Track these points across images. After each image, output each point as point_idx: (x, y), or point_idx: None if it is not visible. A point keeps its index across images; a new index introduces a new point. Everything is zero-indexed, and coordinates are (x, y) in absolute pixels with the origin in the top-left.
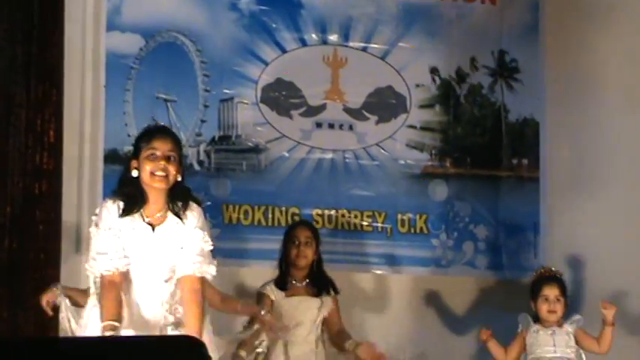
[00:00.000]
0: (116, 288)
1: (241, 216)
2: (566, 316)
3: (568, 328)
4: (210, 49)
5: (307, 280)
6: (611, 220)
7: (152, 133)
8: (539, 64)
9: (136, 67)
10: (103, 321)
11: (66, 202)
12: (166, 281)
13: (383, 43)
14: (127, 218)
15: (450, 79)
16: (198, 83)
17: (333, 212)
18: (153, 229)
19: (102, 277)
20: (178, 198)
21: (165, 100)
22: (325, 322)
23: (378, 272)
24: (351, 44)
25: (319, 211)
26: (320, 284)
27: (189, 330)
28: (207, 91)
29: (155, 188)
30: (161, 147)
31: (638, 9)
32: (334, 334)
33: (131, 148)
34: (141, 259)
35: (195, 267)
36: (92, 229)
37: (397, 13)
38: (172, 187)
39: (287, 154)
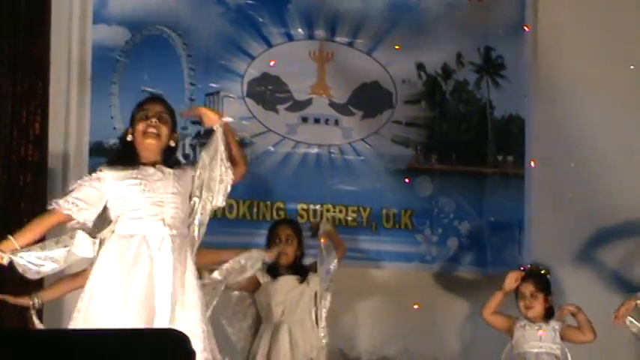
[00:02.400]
0: (46, 223)
1: (226, 210)
2: (553, 312)
3: (554, 324)
4: (197, 42)
5: (290, 272)
6: (595, 216)
7: (144, 100)
8: (525, 61)
9: (122, 60)
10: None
11: (51, 195)
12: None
13: (369, 39)
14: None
15: (435, 75)
16: (184, 77)
17: (318, 207)
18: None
19: (50, 208)
20: (171, 162)
21: (151, 94)
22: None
23: (363, 267)
24: (337, 39)
25: (304, 206)
26: (304, 274)
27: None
28: (193, 84)
29: (148, 148)
30: (152, 108)
31: (622, 8)
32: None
33: (117, 141)
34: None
35: None
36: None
37: (384, 8)
38: (166, 152)
39: (272, 149)
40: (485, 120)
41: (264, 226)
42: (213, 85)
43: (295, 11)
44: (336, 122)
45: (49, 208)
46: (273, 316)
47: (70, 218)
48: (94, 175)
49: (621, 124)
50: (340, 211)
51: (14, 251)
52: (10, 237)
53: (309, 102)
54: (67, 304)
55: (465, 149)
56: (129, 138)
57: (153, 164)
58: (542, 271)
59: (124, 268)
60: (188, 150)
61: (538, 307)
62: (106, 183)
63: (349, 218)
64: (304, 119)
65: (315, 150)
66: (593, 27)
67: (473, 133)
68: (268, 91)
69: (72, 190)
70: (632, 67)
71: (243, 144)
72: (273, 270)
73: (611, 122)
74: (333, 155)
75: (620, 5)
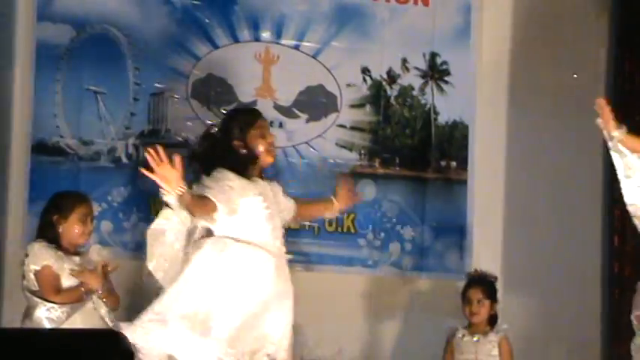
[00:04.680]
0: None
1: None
2: (496, 319)
3: (492, 337)
4: (142, 42)
5: None
6: (539, 223)
7: (257, 115)
8: (470, 67)
9: (66, 59)
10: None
11: None
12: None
13: (315, 42)
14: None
15: (381, 79)
16: (129, 76)
17: None
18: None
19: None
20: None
21: (95, 92)
22: None
23: (304, 271)
24: (283, 42)
25: None
26: None
27: None
28: (137, 84)
29: (262, 166)
30: (267, 125)
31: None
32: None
33: (59, 139)
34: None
35: None
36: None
37: (330, 12)
38: None
39: None
40: (430, 125)
41: None
42: (158, 85)
43: (242, 13)
44: (281, 125)
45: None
46: None
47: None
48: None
49: (564, 130)
50: None
51: None
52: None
53: (253, 104)
54: None
55: (408, 154)
56: (243, 151)
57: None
58: (490, 278)
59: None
60: (131, 150)
61: (483, 314)
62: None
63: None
64: None
65: None
66: (538, 34)
67: (417, 139)
68: (213, 92)
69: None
70: (575, 75)
71: (187, 144)
72: None
73: (554, 128)
74: (277, 158)
75: (564, 14)
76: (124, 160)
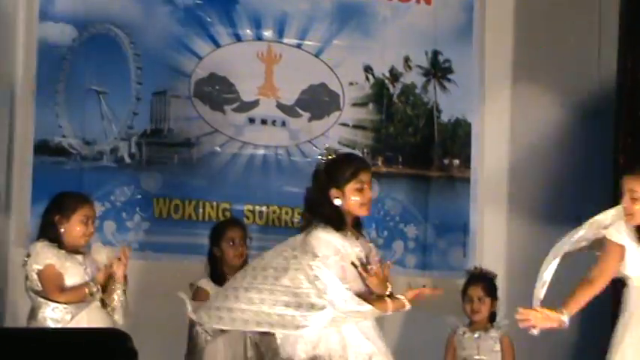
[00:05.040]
0: None
1: (172, 210)
2: (495, 317)
3: (494, 332)
4: (144, 41)
5: None
6: (542, 221)
7: (359, 167)
8: (473, 65)
9: (68, 59)
10: None
11: None
12: None
13: (317, 40)
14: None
15: (383, 77)
16: (131, 76)
17: (264, 208)
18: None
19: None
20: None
21: (98, 92)
22: None
23: None
24: (285, 40)
25: (250, 207)
26: None
27: None
28: (139, 83)
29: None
30: (366, 178)
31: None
32: None
33: (62, 139)
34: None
35: None
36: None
37: (332, 10)
38: None
39: (219, 149)
40: (432, 123)
41: (209, 227)
42: (160, 84)
43: (243, 12)
44: (284, 124)
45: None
46: None
47: None
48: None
49: (567, 128)
50: (286, 213)
51: None
52: None
53: (256, 103)
54: None
55: (411, 152)
56: (337, 202)
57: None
58: (490, 276)
59: None
60: (134, 149)
61: (484, 312)
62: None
63: (295, 220)
64: (251, 120)
65: (261, 151)
66: (541, 32)
67: (419, 137)
68: (215, 92)
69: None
70: (577, 73)
71: (189, 144)
72: (220, 275)
73: (557, 126)
74: (280, 157)
75: (567, 11)
76: (127, 159)
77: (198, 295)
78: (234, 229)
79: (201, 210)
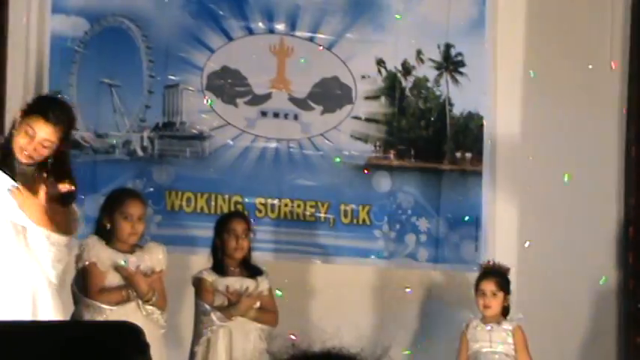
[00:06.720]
0: None
1: (184, 203)
2: (508, 311)
3: (506, 325)
4: (156, 34)
5: (239, 269)
6: (553, 214)
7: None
8: (485, 58)
9: (80, 51)
10: None
11: None
12: None
13: (329, 34)
14: None
15: (395, 71)
16: (143, 69)
17: (276, 202)
18: None
19: None
20: None
21: (110, 85)
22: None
23: (320, 262)
24: (297, 34)
25: (262, 200)
26: (252, 270)
27: None
28: (152, 76)
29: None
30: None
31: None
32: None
33: (74, 132)
34: None
35: None
36: None
37: (344, 3)
38: None
39: (231, 142)
40: (444, 117)
41: None
42: (173, 77)
43: (256, 5)
44: (296, 117)
45: None
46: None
47: None
48: None
49: (579, 120)
50: (298, 206)
51: None
52: None
53: (268, 96)
54: None
55: (423, 146)
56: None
57: None
58: (503, 270)
59: None
60: (146, 142)
61: (496, 306)
62: None
63: (307, 213)
64: (263, 113)
65: (273, 144)
66: (553, 25)
67: (432, 130)
68: (228, 85)
69: None
70: (590, 66)
71: (201, 137)
72: (222, 266)
73: (569, 119)
74: (292, 150)
75: (579, 4)
76: (139, 152)
77: (199, 286)
78: (237, 221)
79: (213, 203)
